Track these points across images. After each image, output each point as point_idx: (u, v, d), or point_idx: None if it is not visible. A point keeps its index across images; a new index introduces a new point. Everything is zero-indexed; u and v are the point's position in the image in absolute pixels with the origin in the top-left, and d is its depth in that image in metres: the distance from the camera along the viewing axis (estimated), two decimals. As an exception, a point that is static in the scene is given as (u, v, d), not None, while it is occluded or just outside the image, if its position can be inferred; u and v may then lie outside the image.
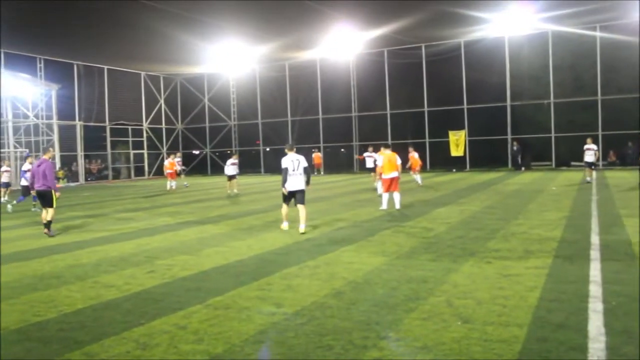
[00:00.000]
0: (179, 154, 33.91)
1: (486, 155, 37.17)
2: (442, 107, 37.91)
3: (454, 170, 36.48)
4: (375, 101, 40.25)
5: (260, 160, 45.24)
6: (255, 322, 5.71)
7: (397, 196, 15.35)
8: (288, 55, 39.93)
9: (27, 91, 39.77)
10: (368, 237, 10.86)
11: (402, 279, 7.30)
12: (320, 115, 42.32)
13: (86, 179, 41.12)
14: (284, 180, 11.95)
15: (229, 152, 45.98)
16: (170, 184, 27.35)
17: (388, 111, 39.63)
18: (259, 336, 5.26)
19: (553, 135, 35.19)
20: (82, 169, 40.95)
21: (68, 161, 41.09)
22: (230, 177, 23.72)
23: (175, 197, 23.46)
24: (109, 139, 43.49)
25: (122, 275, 8.24)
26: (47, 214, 12.99)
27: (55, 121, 39.35)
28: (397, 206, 15.23)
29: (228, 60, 39.97)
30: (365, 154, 24.71)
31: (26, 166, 20.02)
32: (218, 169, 45.48)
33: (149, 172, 47.04)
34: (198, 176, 44.39)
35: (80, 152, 40.51)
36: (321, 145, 42.17)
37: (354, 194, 21.44)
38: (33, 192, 14.87)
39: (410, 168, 24.99)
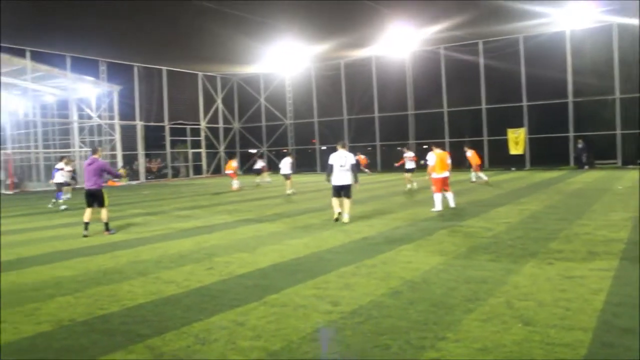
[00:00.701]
0: (260, 155, 34.61)
1: (547, 154, 36.06)
2: (500, 105, 37.02)
3: (513, 169, 35.64)
4: (432, 99, 39.66)
5: (316, 158, 45.38)
6: (312, 319, 5.73)
7: (450, 195, 15.08)
8: (343, 53, 39.88)
9: (90, 93, 41.24)
10: (425, 237, 10.74)
11: (460, 279, 7.20)
12: (376, 114, 42.11)
13: (146, 178, 42.25)
14: (329, 174, 13.45)
15: (284, 150, 46.44)
16: (233, 182, 27.88)
17: (445, 109, 39.04)
18: (316, 334, 5.28)
19: (619, 132, 33.89)
20: (142, 168, 42.09)
21: (129, 160, 42.31)
22: (286, 177, 23.97)
23: (233, 196, 23.82)
24: (168, 138, 44.53)
25: (181, 271, 8.42)
26: (102, 215, 13.18)
27: (117, 121, 40.62)
28: (452, 204, 14.98)
29: (284, 59, 40.29)
30: (404, 155, 24.36)
31: (59, 165, 21.70)
32: (274, 168, 45.93)
33: (207, 171, 47.90)
34: (253, 175, 44.80)
35: (140, 151, 41.63)
36: (377, 143, 41.94)
37: (411, 193, 21.25)
38: (66, 190, 15.23)
39: (470, 166, 24.88)
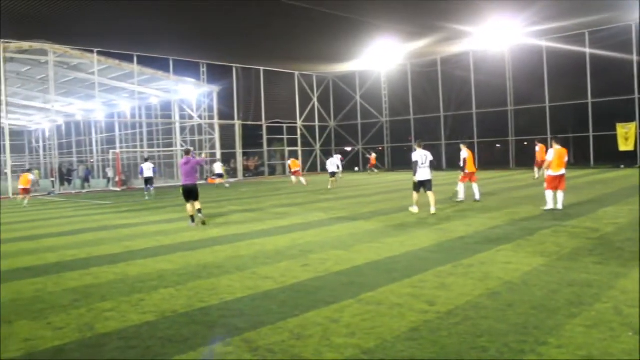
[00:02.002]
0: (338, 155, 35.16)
1: (662, 150, 33.73)
2: (608, 98, 34.89)
3: (622, 166, 33.59)
4: (533, 94, 38.01)
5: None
6: (407, 318, 5.67)
7: (561, 195, 14.27)
8: (440, 49, 39.14)
9: (191, 94, 42.95)
10: (526, 237, 10.35)
11: (563, 281, 6.87)
12: (474, 110, 41.03)
13: (244, 175, 43.41)
14: (415, 171, 14.70)
15: (380, 148, 46.29)
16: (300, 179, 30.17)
17: (547, 104, 37.37)
18: (411, 333, 5.22)
19: None
20: (240, 166, 43.31)
21: (227, 158, 43.69)
22: (332, 174, 27.21)
23: (328, 194, 24.01)
24: (265, 137, 45.56)
25: (278, 267, 8.57)
26: (197, 205, 14.80)
27: (216, 121, 42.04)
28: (560, 206, 14.20)
29: (380, 57, 40.14)
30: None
31: (146, 165, 27.03)
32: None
33: (303, 169, 48.57)
34: (349, 172, 45.03)
35: (238, 150, 42.84)
36: (475, 140, 40.87)
37: (510, 191, 20.55)
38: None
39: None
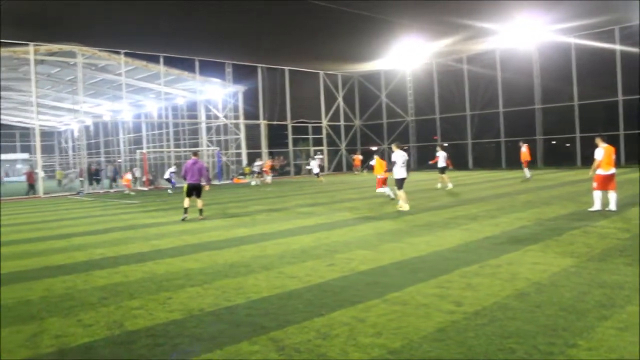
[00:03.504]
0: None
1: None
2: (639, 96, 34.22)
3: (654, 165, 32.95)
4: (561, 92, 37.44)
5: (438, 156, 44.52)
6: (433, 319, 5.64)
7: (613, 196, 13.58)
8: (466, 47, 38.80)
9: (217, 94, 43.25)
10: (554, 237, 10.20)
11: (593, 283, 6.76)
12: (501, 109, 40.60)
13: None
14: (396, 170, 16.13)
15: (405, 147, 46.02)
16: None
17: (575, 102, 36.76)
18: (437, 334, 5.18)
19: None
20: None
21: (253, 158, 43.90)
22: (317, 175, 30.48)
23: (353, 193, 23.97)
24: (290, 137, 45.65)
25: (303, 267, 8.59)
26: (199, 203, 16.26)
27: (241, 121, 42.30)
28: (614, 207, 13.47)
29: (405, 55, 39.95)
30: (437, 154, 24.36)
31: (172, 169, 31.32)
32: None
33: (328, 168, 48.58)
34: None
35: (264, 150, 43.01)
36: (502, 139, 40.43)
37: (537, 191, 20.30)
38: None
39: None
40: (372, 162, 20.61)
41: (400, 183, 16.28)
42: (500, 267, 7.90)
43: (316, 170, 34.43)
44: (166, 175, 32.00)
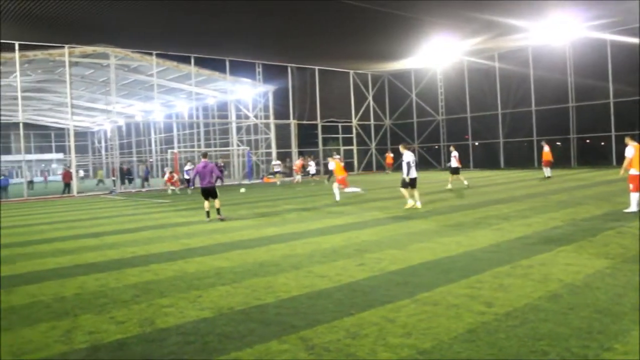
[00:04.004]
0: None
1: None
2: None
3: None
4: (596, 89, 36.56)
5: (470, 155, 44.17)
6: (464, 320, 5.58)
7: None
8: (498, 45, 38.24)
9: (247, 94, 43.52)
10: (588, 238, 10.01)
11: (629, 285, 6.61)
12: (533, 107, 39.97)
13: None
14: (408, 171, 16.29)
15: (436, 147, 45.77)
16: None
17: (611, 100, 35.92)
18: (468, 335, 5.13)
19: None
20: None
21: (283, 157, 44.07)
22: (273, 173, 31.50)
23: (383, 193, 23.88)
24: (320, 136, 45.68)
25: (333, 266, 8.58)
26: (216, 203, 16.12)
27: (272, 120, 42.46)
28: None
29: (436, 54, 39.63)
30: (452, 154, 24.60)
31: (187, 167, 31.99)
32: (426, 164, 45.47)
33: (358, 168, 48.50)
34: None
35: (294, 149, 43.12)
36: (534, 138, 39.77)
37: (571, 191, 19.95)
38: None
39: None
40: (331, 166, 21.48)
41: (413, 183, 16.57)
42: (532, 267, 7.78)
43: (313, 171, 36.44)
44: (185, 175, 32.54)
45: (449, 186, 23.85)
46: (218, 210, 16.15)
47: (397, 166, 45.12)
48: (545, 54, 38.40)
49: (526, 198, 17.93)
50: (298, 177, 35.99)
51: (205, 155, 16.79)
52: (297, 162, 37.58)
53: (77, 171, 35.09)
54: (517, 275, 7.37)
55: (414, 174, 16.53)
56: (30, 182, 43.90)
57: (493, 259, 8.50)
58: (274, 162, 37.92)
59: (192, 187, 27.34)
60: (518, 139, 41.50)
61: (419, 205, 16.31)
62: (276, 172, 36.62)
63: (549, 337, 4.94)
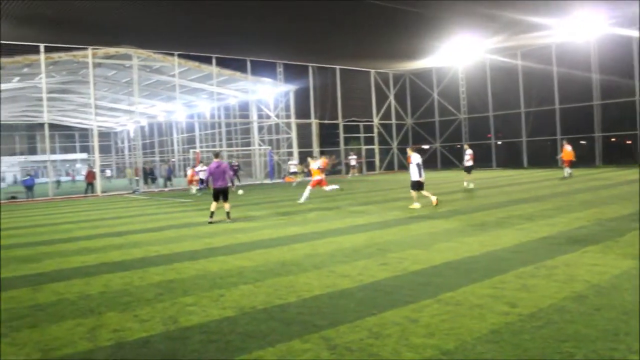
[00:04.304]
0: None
1: None
2: None
3: None
4: (622, 87, 35.94)
5: (492, 154, 43.80)
6: (487, 320, 5.53)
7: None
8: (521, 43, 37.79)
9: (268, 94, 43.64)
10: (615, 238, 9.85)
11: (657, 285, 6.50)
12: (557, 106, 39.48)
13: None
14: (421, 173, 16.55)
15: (458, 146, 45.44)
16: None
17: (637, 97, 35.30)
18: (491, 335, 5.08)
19: None
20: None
21: (304, 157, 44.07)
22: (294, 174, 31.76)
23: (406, 192, 23.76)
24: (341, 136, 45.64)
25: (355, 266, 8.56)
26: (226, 206, 15.74)
27: (293, 120, 42.53)
28: None
29: (457, 52, 39.35)
30: (467, 152, 24.50)
31: (199, 167, 31.64)
32: (448, 164, 45.22)
33: (380, 167, 48.37)
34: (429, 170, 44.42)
35: (315, 148, 43.13)
36: (558, 137, 39.26)
37: (596, 190, 19.67)
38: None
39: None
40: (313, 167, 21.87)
41: (421, 185, 16.78)
42: (556, 268, 7.69)
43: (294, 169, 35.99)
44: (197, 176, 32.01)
45: (466, 184, 23.70)
46: (228, 213, 15.81)
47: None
48: (569, 51, 37.81)
49: (550, 197, 17.73)
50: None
51: (217, 155, 16.43)
52: (324, 161, 36.83)
53: (102, 171, 35.42)
54: (542, 275, 7.29)
55: (423, 176, 16.83)
56: (58, 182, 44.82)
57: (516, 259, 8.41)
58: (290, 162, 37.92)
59: (203, 188, 27.42)
60: (541, 137, 41.03)
61: (417, 205, 16.48)
62: (292, 173, 36.53)
63: (575, 339, 4.87)
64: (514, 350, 4.70)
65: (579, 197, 17.42)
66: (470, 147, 25.10)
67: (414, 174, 16.72)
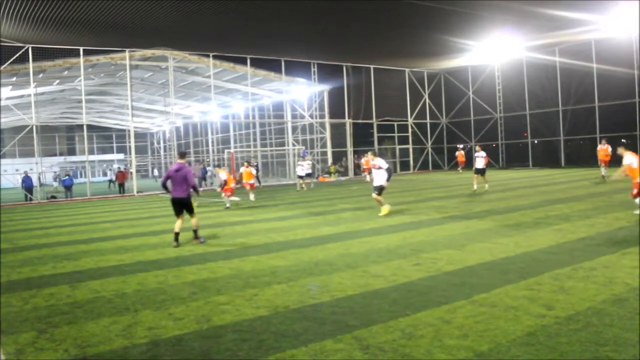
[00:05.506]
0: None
1: None
2: None
3: None
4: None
5: (528, 153, 43.10)
6: (523, 322, 5.44)
7: None
8: (558, 39, 37.04)
9: (302, 94, 43.73)
10: (655, 239, 9.61)
11: (700, 288, 6.30)
12: (597, 104, 38.58)
13: (355, 174, 43.55)
14: (388, 177, 15.73)
15: (494, 145, 44.82)
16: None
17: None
18: (527, 338, 5.00)
19: None
20: (351, 164, 43.49)
21: (338, 157, 44.07)
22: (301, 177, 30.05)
23: (440, 192, 23.58)
24: (375, 135, 45.46)
25: (389, 266, 8.52)
26: (193, 222, 12.36)
27: (327, 120, 42.51)
28: None
29: (493, 50, 38.79)
30: (478, 154, 23.09)
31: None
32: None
33: (414, 167, 48.04)
34: (468, 170, 44.00)
35: (349, 148, 43.05)
36: (597, 136, 38.38)
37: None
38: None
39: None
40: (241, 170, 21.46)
41: (382, 189, 15.93)
42: (595, 270, 7.52)
43: (301, 173, 31.12)
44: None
45: (483, 186, 22.83)
46: (195, 232, 12.30)
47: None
48: (610, 48, 36.81)
49: (588, 197, 17.38)
50: (368, 177, 33.85)
51: (182, 155, 12.83)
52: (366, 160, 35.30)
53: (137, 171, 35.92)
54: (579, 277, 7.14)
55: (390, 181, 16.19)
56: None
57: (553, 261, 8.26)
58: (299, 163, 35.76)
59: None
60: (580, 136, 40.20)
61: (387, 207, 15.85)
62: (307, 175, 33.78)
63: (614, 343, 4.76)
64: (550, 353, 4.61)
65: (619, 197, 16.99)
66: (482, 149, 23.68)
67: (380, 179, 15.77)
